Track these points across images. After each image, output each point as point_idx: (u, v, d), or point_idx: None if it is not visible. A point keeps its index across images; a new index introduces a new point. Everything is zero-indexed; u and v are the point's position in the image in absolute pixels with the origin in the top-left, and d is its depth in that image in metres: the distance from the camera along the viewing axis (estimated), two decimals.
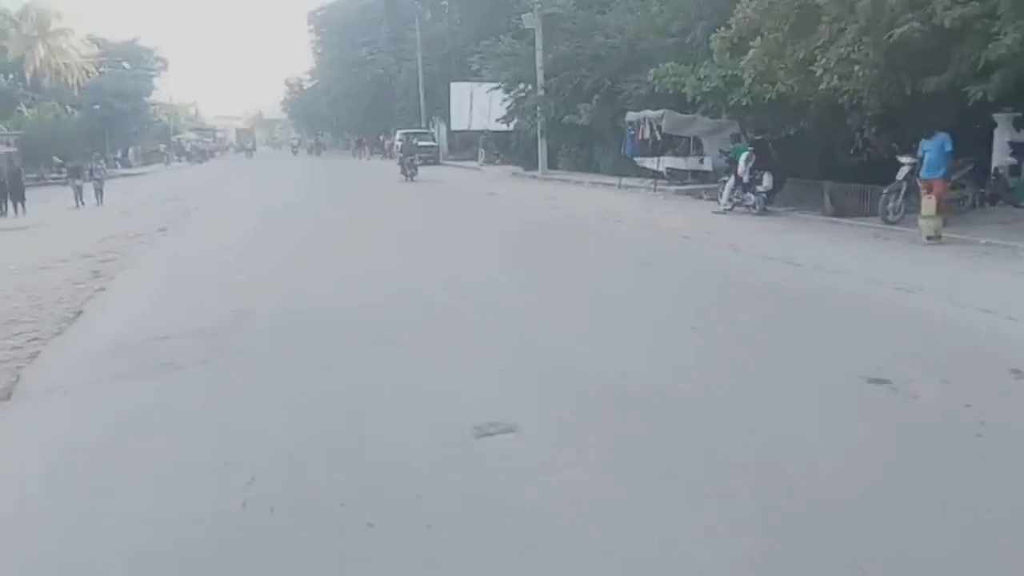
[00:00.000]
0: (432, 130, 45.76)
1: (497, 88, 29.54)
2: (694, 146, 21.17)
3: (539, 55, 26.24)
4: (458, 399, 5.05)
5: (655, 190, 19.93)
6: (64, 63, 56.38)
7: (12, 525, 3.72)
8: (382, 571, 3.14)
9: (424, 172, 33.76)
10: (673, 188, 19.94)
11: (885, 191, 13.22)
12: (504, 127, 32.62)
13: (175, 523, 3.59)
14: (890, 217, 13.03)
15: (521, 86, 27.88)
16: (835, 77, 13.23)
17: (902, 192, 13.01)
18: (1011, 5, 10.71)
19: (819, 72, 13.40)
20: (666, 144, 20.76)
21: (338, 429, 4.68)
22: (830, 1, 12.97)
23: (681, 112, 19.99)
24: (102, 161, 33.77)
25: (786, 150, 18.28)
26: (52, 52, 55.37)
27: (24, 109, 52.45)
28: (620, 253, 11.47)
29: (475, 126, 37.25)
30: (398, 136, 43.53)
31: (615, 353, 6.06)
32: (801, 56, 14.04)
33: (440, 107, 43.43)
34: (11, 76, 53.79)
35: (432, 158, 40.73)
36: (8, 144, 46.87)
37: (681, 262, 10.56)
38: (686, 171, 20.96)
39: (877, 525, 3.25)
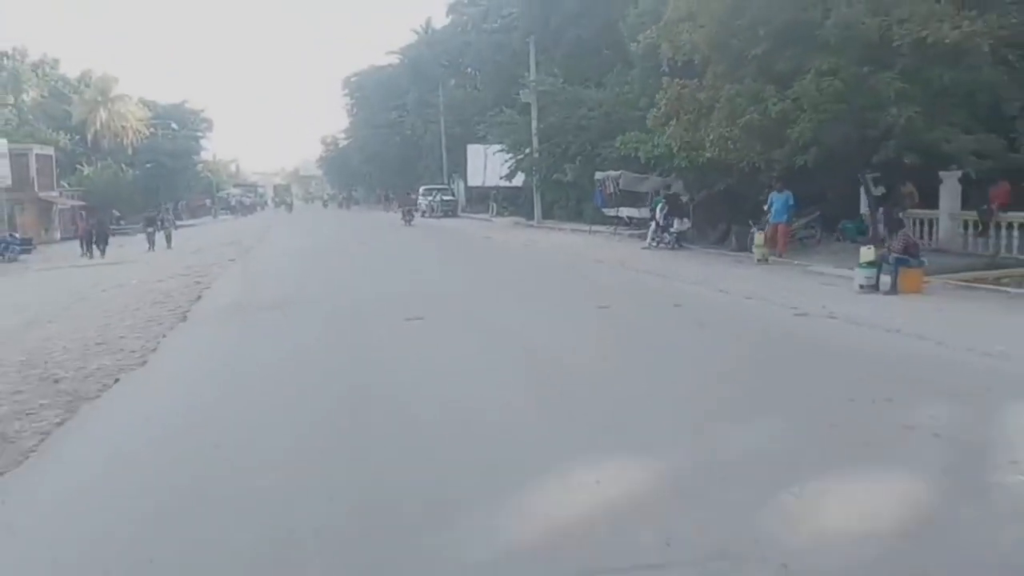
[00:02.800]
0: (453, 186, 52.60)
1: (502, 150, 36.13)
2: (651, 199, 27.17)
3: (534, 124, 32.76)
4: (393, 305, 11.11)
5: (615, 234, 25.97)
6: (122, 125, 64.86)
7: (206, 356, 9.84)
8: (354, 346, 9.18)
9: (441, 222, 40.57)
10: (628, 232, 25.95)
11: (751, 231, 19.12)
12: (513, 184, 39.00)
13: (288, 349, 9.72)
14: None
15: (520, 149, 34.37)
16: (717, 149, 19.26)
17: (764, 230, 18.86)
18: (809, 103, 16.71)
19: (707, 145, 19.46)
20: (629, 198, 26.81)
21: (344, 321, 10.79)
22: (708, 98, 19.11)
23: (643, 172, 26.12)
24: (171, 212, 40.98)
25: (719, 203, 24.37)
26: (112, 116, 63.87)
27: (84, 168, 60.56)
28: (541, 268, 17.74)
29: (488, 183, 43.85)
30: (421, 191, 50.60)
31: (492, 303, 12.12)
32: (702, 133, 20.09)
33: (460, 165, 50.25)
34: (76, 138, 62.17)
35: (452, 211, 47.58)
36: (72, 197, 54.88)
37: (576, 272, 16.68)
38: (642, 219, 26.93)
39: (598, 370, 9.00)
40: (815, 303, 11.39)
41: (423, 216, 47.02)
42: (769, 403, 6.27)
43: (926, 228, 19.42)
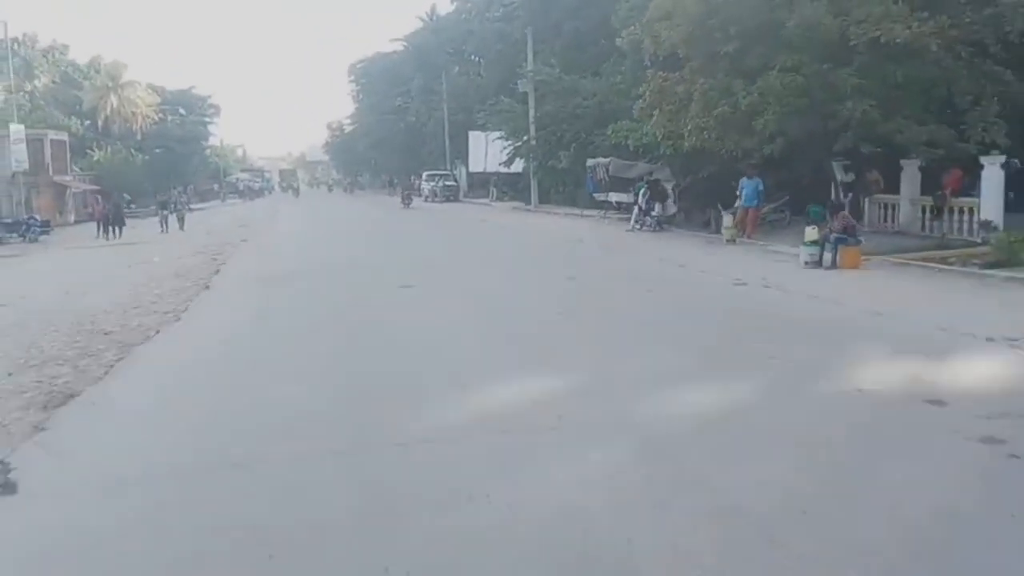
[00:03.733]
0: (455, 172, 54.37)
1: (501, 137, 37.90)
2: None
3: (531, 112, 34.48)
4: (389, 276, 12.95)
5: (604, 217, 27.75)
6: (132, 111, 66.71)
7: (230, 314, 11.71)
8: (347, 318, 11.04)
9: (442, 207, 42.53)
10: (617, 216, 27.71)
11: (721, 214, 20.87)
12: (513, 170, 40.74)
13: (299, 306, 11.61)
14: None
15: (519, 136, 36.12)
16: (695, 138, 20.98)
17: (735, 214, 20.61)
18: (774, 97, 18.41)
19: (685, 134, 21.18)
20: (618, 183, 28.52)
21: (345, 288, 12.64)
22: (685, 91, 20.83)
23: (632, 160, 27.83)
24: (184, 196, 42.87)
25: (704, 188, 26.05)
26: (122, 101, 65.73)
27: (95, 152, 62.43)
28: (526, 248, 19.68)
29: (489, 168, 45.58)
30: (425, 177, 52.47)
31: (475, 275, 13.95)
32: (682, 123, 21.80)
33: (462, 151, 52.00)
34: (86, 123, 64.06)
35: (454, 196, 49.38)
36: (84, 181, 56.77)
37: (557, 251, 18.53)
38: (630, 203, 28.66)
39: (547, 319, 10.92)
40: (759, 276, 13.16)
41: (426, 201, 48.90)
42: (671, 340, 8.15)
43: (889, 212, 21.06)
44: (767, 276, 13.04)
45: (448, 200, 48.00)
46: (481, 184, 50.04)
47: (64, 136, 53.28)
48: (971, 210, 18.25)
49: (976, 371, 6.71)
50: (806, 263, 14.48)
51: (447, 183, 50.64)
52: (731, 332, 8.56)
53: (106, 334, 10.31)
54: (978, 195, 18.00)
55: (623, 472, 4.73)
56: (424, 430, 5.50)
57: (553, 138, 33.16)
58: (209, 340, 9.33)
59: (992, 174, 17.63)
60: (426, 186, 51.89)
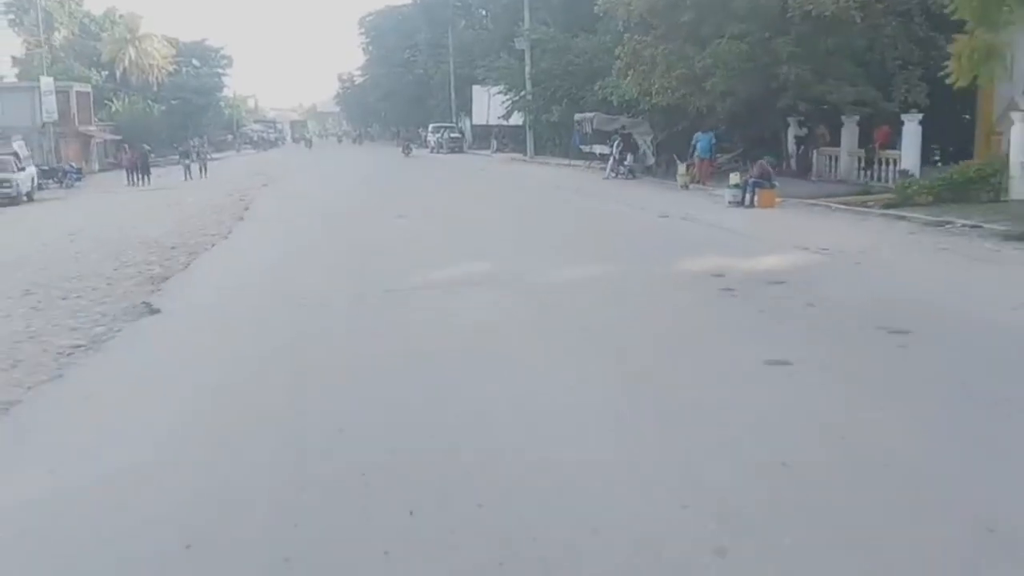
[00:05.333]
0: (460, 124, 57.66)
1: (500, 92, 41.23)
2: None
3: (527, 68, 37.75)
4: (388, 210, 16.62)
5: (589, 167, 31.25)
6: (149, 63, 69.98)
7: (265, 234, 15.45)
8: (355, 235, 14.75)
9: (446, 157, 46.08)
10: (600, 166, 31.13)
11: (679, 164, 24.35)
12: (513, 122, 44.05)
13: (317, 229, 15.36)
14: None
15: (516, 91, 39.45)
16: (661, 96, 24.33)
17: (694, 164, 24.06)
18: (721, 62, 21.72)
19: (653, 92, 24.53)
20: (601, 136, 31.88)
21: (354, 218, 16.34)
22: (651, 54, 24.12)
23: (617, 114, 31.14)
24: (206, 145, 46.50)
25: (679, 141, 29.36)
26: (140, 53, 68.98)
27: (114, 103, 65.88)
28: (506, 191, 23.29)
29: (491, 121, 48.85)
30: (431, 129, 55.94)
31: (454, 208, 17.59)
32: (650, 82, 25.11)
33: (467, 105, 55.20)
34: (104, 74, 67.46)
35: (458, 147, 52.76)
36: (105, 131, 60.39)
37: (530, 194, 22.14)
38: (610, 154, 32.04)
39: (495, 233, 14.64)
40: (684, 212, 16.68)
41: (432, 152, 52.38)
42: (578, 247, 11.88)
43: (832, 162, 24.42)
44: (691, 212, 16.57)
45: (453, 151, 51.41)
46: (484, 136, 53.31)
47: (88, 88, 56.86)
48: (894, 161, 21.58)
49: (767, 263, 10.32)
50: (729, 203, 17.97)
51: (452, 135, 53.99)
52: (624, 243, 12.23)
53: (172, 248, 14.02)
54: (900, 148, 21.32)
55: (514, 306, 8.41)
56: (400, 287, 9.24)
57: (547, 93, 36.48)
58: (255, 247, 13.12)
59: (911, 130, 20.95)
60: (432, 138, 55.22)
